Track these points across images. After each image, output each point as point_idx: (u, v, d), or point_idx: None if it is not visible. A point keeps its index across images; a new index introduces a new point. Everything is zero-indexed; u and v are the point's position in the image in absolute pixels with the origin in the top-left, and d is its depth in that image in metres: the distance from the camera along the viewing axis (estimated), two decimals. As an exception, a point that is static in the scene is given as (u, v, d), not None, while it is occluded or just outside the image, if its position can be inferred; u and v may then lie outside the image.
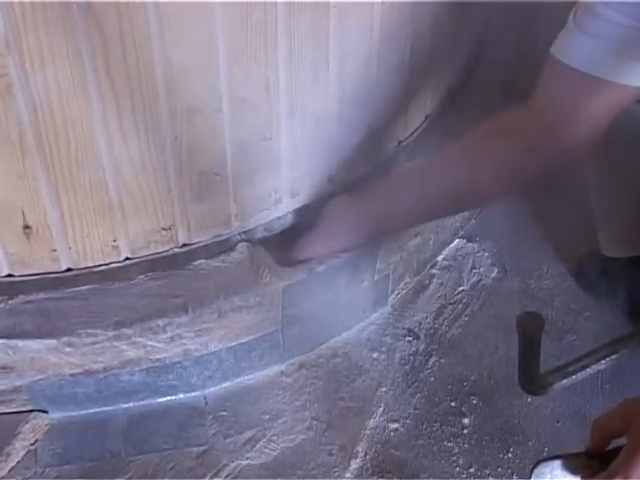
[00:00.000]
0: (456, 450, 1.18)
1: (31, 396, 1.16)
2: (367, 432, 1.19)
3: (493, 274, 1.44)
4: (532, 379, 0.93)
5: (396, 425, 1.21)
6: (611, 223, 1.32)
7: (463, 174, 1.07)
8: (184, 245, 1.20)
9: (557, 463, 0.76)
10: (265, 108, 1.13)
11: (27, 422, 1.17)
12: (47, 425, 1.18)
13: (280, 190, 1.23)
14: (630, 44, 0.89)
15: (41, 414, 1.18)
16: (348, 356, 1.30)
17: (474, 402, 1.24)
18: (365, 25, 1.18)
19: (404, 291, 1.40)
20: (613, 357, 0.94)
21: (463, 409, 1.23)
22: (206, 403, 1.23)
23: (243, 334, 1.20)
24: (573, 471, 0.76)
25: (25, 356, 1.11)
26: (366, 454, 1.17)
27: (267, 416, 1.21)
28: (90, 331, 1.11)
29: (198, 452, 1.16)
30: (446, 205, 1.14)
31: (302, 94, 1.15)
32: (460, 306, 1.38)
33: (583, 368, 0.93)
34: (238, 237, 1.24)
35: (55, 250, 1.12)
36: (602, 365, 0.94)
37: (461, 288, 1.42)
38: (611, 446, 0.75)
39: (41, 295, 1.15)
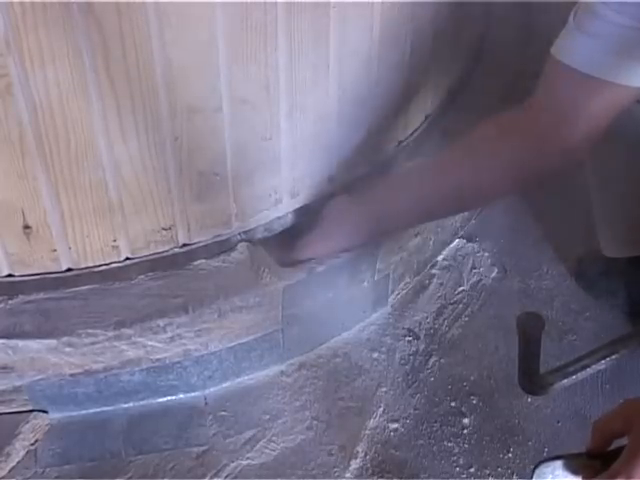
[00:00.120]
0: (456, 450, 1.18)
1: (31, 396, 1.16)
2: (367, 432, 1.19)
3: (493, 274, 1.44)
4: (532, 379, 0.93)
5: (396, 425, 1.21)
6: (611, 223, 1.31)
7: (463, 174, 1.07)
8: (184, 245, 1.20)
9: (558, 463, 0.76)
10: (265, 108, 1.13)
11: (27, 422, 1.17)
12: (47, 425, 1.18)
13: (280, 190, 1.23)
14: (630, 44, 0.89)
15: (41, 414, 1.18)
16: (348, 356, 1.30)
17: (474, 402, 1.24)
18: (365, 25, 1.18)
19: (404, 291, 1.40)
20: (613, 357, 0.94)
21: (463, 409, 1.23)
22: (206, 403, 1.23)
23: (243, 334, 1.20)
24: (574, 471, 0.76)
25: (25, 356, 1.11)
26: (366, 454, 1.17)
27: (267, 416, 1.21)
28: (90, 331, 1.11)
29: (198, 452, 1.16)
30: (446, 205, 1.14)
31: (302, 94, 1.15)
32: (460, 306, 1.38)
33: (583, 368, 0.94)
34: (238, 237, 1.24)
35: (55, 250, 1.12)
36: (602, 365, 0.94)
37: (461, 288, 1.42)
38: (612, 446, 0.75)
39: (41, 295, 1.15)
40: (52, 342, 1.10)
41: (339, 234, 1.20)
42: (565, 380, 0.93)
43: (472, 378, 1.27)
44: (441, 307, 1.38)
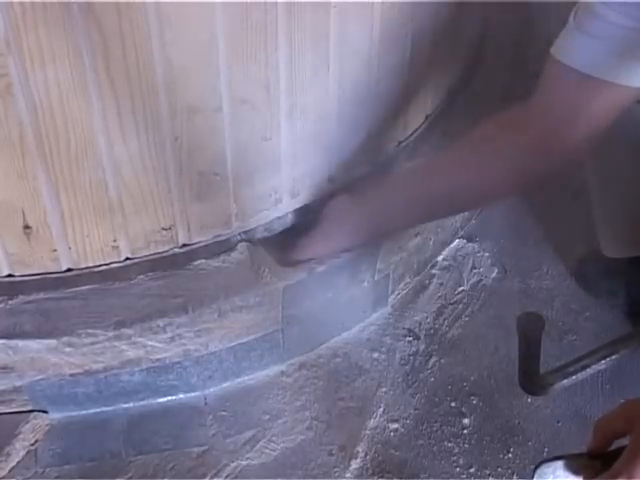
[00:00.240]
0: (456, 450, 1.18)
1: (31, 396, 1.16)
2: (367, 432, 1.19)
3: (493, 274, 1.44)
4: (532, 379, 0.93)
5: (396, 425, 1.21)
6: (611, 223, 1.31)
7: (463, 174, 1.07)
8: (184, 245, 1.20)
9: (559, 464, 0.76)
10: (265, 108, 1.13)
11: (27, 422, 1.17)
12: (47, 425, 1.18)
13: (280, 190, 1.23)
14: (630, 45, 0.88)
15: (41, 414, 1.18)
16: (348, 356, 1.30)
17: (474, 402, 1.24)
18: (365, 25, 1.18)
19: (404, 291, 1.40)
20: (613, 357, 0.94)
21: (463, 409, 1.23)
22: (206, 403, 1.23)
23: (243, 334, 1.20)
24: (575, 472, 0.76)
25: (25, 356, 1.11)
26: (366, 454, 1.17)
27: (267, 416, 1.21)
28: (90, 331, 1.11)
29: (198, 452, 1.16)
30: (446, 205, 1.14)
31: (302, 94, 1.15)
32: (460, 306, 1.38)
33: (583, 368, 0.94)
34: (238, 237, 1.24)
35: (55, 250, 1.12)
36: (602, 365, 0.94)
37: (461, 288, 1.41)
38: (613, 446, 0.75)
39: (41, 295, 1.15)
40: (52, 342, 1.10)
41: (339, 234, 1.20)
42: (565, 380, 0.93)
43: (472, 378, 1.27)
44: (441, 307, 1.38)
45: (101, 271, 1.16)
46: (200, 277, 1.19)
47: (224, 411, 1.22)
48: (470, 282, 1.42)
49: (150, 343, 1.14)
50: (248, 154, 1.16)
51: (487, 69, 1.64)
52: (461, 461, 1.16)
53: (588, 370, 0.94)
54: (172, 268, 1.19)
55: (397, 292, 1.39)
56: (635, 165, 1.17)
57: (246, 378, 1.26)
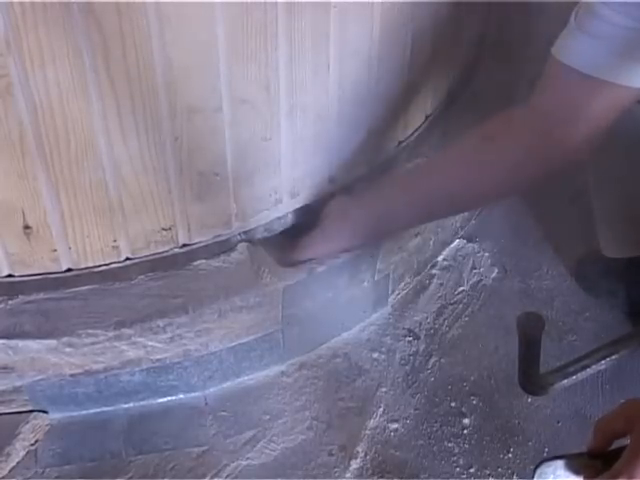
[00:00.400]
0: (456, 450, 1.18)
1: (31, 396, 1.16)
2: (367, 432, 1.19)
3: (493, 274, 1.44)
4: (532, 379, 0.93)
5: (396, 425, 1.21)
6: (611, 223, 1.31)
7: (463, 174, 1.07)
8: (184, 245, 1.20)
9: (560, 463, 0.76)
10: (265, 108, 1.13)
11: (27, 422, 1.17)
12: (47, 425, 1.18)
13: (280, 190, 1.23)
14: (631, 45, 0.88)
15: (41, 414, 1.18)
16: (348, 356, 1.30)
17: (474, 402, 1.24)
18: (365, 25, 1.18)
19: (404, 291, 1.40)
20: (613, 357, 0.94)
21: (463, 409, 1.23)
22: (206, 403, 1.23)
23: (243, 334, 1.20)
24: (576, 471, 0.76)
25: (25, 356, 1.11)
26: (366, 454, 1.17)
27: (267, 416, 1.21)
28: (90, 331, 1.11)
29: (198, 452, 1.16)
30: (446, 205, 1.14)
31: (302, 94, 1.15)
32: (460, 306, 1.38)
33: (583, 368, 0.93)
34: (238, 237, 1.24)
35: (55, 250, 1.12)
36: (602, 365, 0.94)
37: (461, 288, 1.42)
38: (613, 446, 0.75)
39: (41, 295, 1.15)
40: (52, 342, 1.10)
41: (340, 234, 1.20)
42: (565, 380, 0.93)
43: (472, 378, 1.27)
44: (441, 307, 1.38)
45: (101, 271, 1.16)
46: (200, 277, 1.19)
47: (224, 411, 1.22)
48: (470, 282, 1.42)
49: (150, 343, 1.14)
50: (248, 154, 1.16)
51: (487, 69, 1.64)
52: (461, 461, 1.16)
53: (588, 370, 0.94)
54: (172, 268, 1.19)
55: (397, 292, 1.39)
56: (635, 165, 1.17)
57: (246, 378, 1.26)
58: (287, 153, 1.20)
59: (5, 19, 0.90)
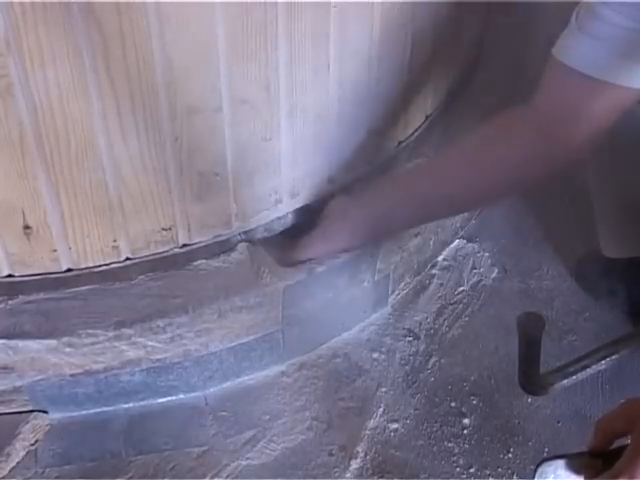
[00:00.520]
0: (456, 450, 1.18)
1: (31, 396, 1.16)
2: (367, 432, 1.19)
3: (493, 274, 1.44)
4: (532, 379, 0.93)
5: (396, 425, 1.21)
6: (611, 223, 1.31)
7: (464, 175, 1.07)
8: (184, 245, 1.20)
9: (560, 462, 0.76)
10: (265, 108, 1.13)
11: (27, 422, 1.17)
12: (47, 425, 1.18)
13: (280, 190, 1.23)
14: (631, 46, 0.88)
15: (41, 414, 1.18)
16: (348, 356, 1.30)
17: (474, 402, 1.24)
18: (365, 25, 1.18)
19: (404, 291, 1.40)
20: (613, 357, 0.94)
21: (463, 409, 1.23)
22: (206, 403, 1.23)
23: (243, 334, 1.20)
24: (576, 471, 0.76)
25: (25, 356, 1.11)
26: (366, 454, 1.17)
27: (267, 416, 1.21)
28: (90, 331, 1.11)
29: (198, 452, 1.16)
30: (446, 206, 1.14)
31: (302, 94, 1.15)
32: (460, 306, 1.38)
33: (583, 368, 0.93)
34: (238, 237, 1.24)
35: (55, 250, 1.12)
36: (602, 365, 0.94)
37: (461, 288, 1.42)
38: (614, 445, 0.75)
39: (41, 295, 1.15)
40: (52, 342, 1.10)
41: (340, 234, 1.20)
42: (565, 380, 0.93)
43: (472, 378, 1.27)
44: (441, 307, 1.38)
45: (101, 271, 1.16)
46: (200, 277, 1.19)
47: (224, 411, 1.22)
48: (470, 282, 1.42)
49: (150, 343, 1.14)
50: (248, 154, 1.16)
51: (487, 69, 1.64)
52: (461, 461, 1.16)
53: (588, 370, 0.94)
54: (172, 268, 1.20)
55: (397, 292, 1.39)
56: (635, 165, 1.17)
57: (246, 378, 1.26)
58: (287, 153, 1.20)
59: (5, 19, 0.90)
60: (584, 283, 1.40)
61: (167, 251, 1.19)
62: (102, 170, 1.07)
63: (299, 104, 1.16)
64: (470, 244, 1.49)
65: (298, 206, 1.28)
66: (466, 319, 1.36)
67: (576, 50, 0.92)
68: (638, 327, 1.29)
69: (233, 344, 1.21)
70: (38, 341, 1.10)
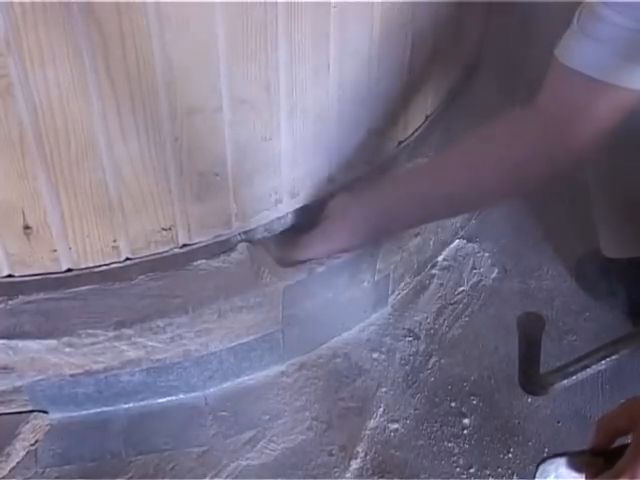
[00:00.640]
0: (456, 450, 1.18)
1: (31, 396, 1.16)
2: (367, 432, 1.19)
3: (493, 274, 1.44)
4: (532, 379, 0.93)
5: (396, 425, 1.21)
6: (611, 224, 1.31)
7: (465, 175, 1.07)
8: (184, 245, 1.20)
9: (562, 461, 0.76)
10: (265, 108, 1.13)
11: (27, 422, 1.17)
12: (47, 425, 1.18)
13: (280, 190, 1.23)
14: (634, 47, 0.88)
15: (41, 414, 1.18)
16: (348, 356, 1.30)
17: (474, 402, 1.24)
18: (365, 25, 1.18)
19: (404, 291, 1.40)
20: (613, 357, 0.94)
21: (463, 409, 1.23)
22: (206, 403, 1.23)
23: (243, 334, 1.20)
24: (578, 469, 0.76)
25: (25, 356, 1.11)
26: (366, 454, 1.17)
27: (267, 416, 1.21)
28: (90, 331, 1.11)
29: (198, 452, 1.16)
30: (447, 206, 1.14)
31: (302, 94, 1.15)
32: (460, 306, 1.38)
33: (583, 368, 0.93)
34: (238, 237, 1.24)
35: (55, 250, 1.12)
36: (602, 365, 0.94)
37: (461, 288, 1.41)
38: (616, 444, 0.75)
39: (41, 295, 1.15)
40: (52, 342, 1.10)
41: (340, 233, 1.20)
42: (565, 380, 0.93)
43: (472, 378, 1.27)
44: (441, 307, 1.38)
45: (101, 271, 1.16)
46: (200, 277, 1.19)
47: (224, 411, 1.22)
48: (470, 282, 1.42)
49: (150, 343, 1.14)
50: (248, 154, 1.16)
51: (487, 69, 1.64)
52: (461, 461, 1.16)
53: (588, 370, 0.93)
54: (172, 268, 1.19)
55: (397, 292, 1.39)
56: (635, 165, 1.17)
57: (246, 378, 1.26)
58: (287, 153, 1.20)
59: (5, 19, 0.90)
60: (584, 283, 1.40)
61: (167, 251, 1.19)
62: (102, 170, 1.07)
63: (299, 104, 1.16)
64: (470, 244, 1.49)
65: (298, 206, 1.28)
66: (466, 319, 1.36)
67: (578, 52, 0.92)
68: (638, 327, 1.29)
69: (233, 344, 1.21)
70: (38, 341, 1.10)
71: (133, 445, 1.17)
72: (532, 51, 1.66)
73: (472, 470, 1.15)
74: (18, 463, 1.14)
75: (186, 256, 1.20)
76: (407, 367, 1.29)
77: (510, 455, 1.17)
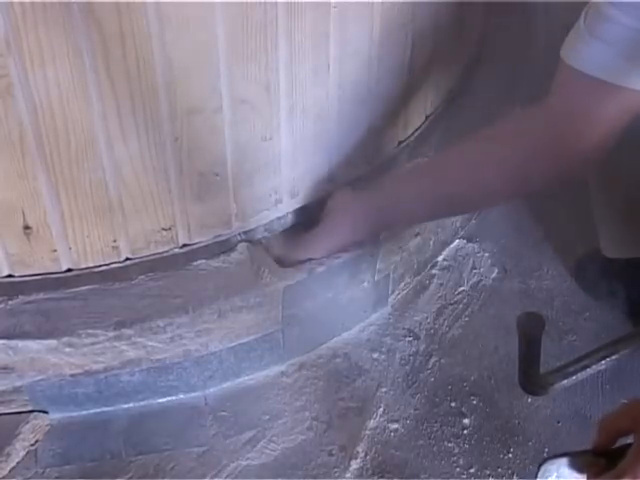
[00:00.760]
0: (456, 450, 1.18)
1: (31, 396, 1.16)
2: (367, 432, 1.19)
3: (493, 274, 1.44)
4: (532, 379, 0.93)
5: (396, 425, 1.21)
6: (611, 224, 1.31)
7: (470, 175, 1.06)
8: (184, 245, 1.20)
9: (563, 461, 0.76)
10: (265, 108, 1.13)
11: (27, 422, 1.17)
12: (47, 425, 1.18)
13: (280, 190, 1.23)
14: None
15: (41, 414, 1.18)
16: (348, 356, 1.30)
17: (474, 402, 1.24)
18: (365, 25, 1.18)
19: (404, 291, 1.40)
20: (613, 357, 0.94)
21: (463, 409, 1.23)
22: (206, 403, 1.23)
23: (243, 334, 1.20)
24: (579, 469, 0.76)
25: (25, 356, 1.11)
26: (366, 454, 1.17)
27: (267, 416, 1.21)
28: (90, 331, 1.11)
29: (198, 452, 1.16)
30: (449, 206, 1.13)
31: (302, 94, 1.15)
32: (460, 306, 1.38)
33: (583, 368, 0.93)
34: (238, 237, 1.24)
35: (55, 250, 1.12)
36: (602, 365, 0.94)
37: (461, 288, 1.41)
38: (618, 444, 0.75)
39: (41, 295, 1.15)
40: (52, 342, 1.10)
41: (342, 228, 1.20)
42: (565, 380, 0.93)
43: (472, 378, 1.27)
44: (441, 307, 1.38)
45: (101, 271, 1.16)
46: (200, 277, 1.19)
47: (224, 411, 1.22)
48: (470, 282, 1.42)
49: (150, 343, 1.14)
50: (248, 154, 1.16)
51: (487, 69, 1.63)
52: (461, 461, 1.16)
53: (588, 370, 0.93)
54: (172, 268, 1.19)
55: (397, 292, 1.38)
56: (635, 165, 1.17)
57: (246, 378, 1.26)
58: (287, 153, 1.20)
59: (5, 19, 0.90)
60: (584, 283, 1.40)
61: (167, 251, 1.19)
62: (102, 170, 1.07)
63: (299, 104, 1.16)
64: (470, 244, 1.48)
65: (298, 206, 1.28)
66: (466, 319, 1.36)
67: (586, 53, 0.92)
68: (638, 327, 1.29)
69: (233, 344, 1.21)
70: (38, 341, 1.10)
71: (133, 445, 1.17)
72: (532, 51, 1.66)
73: (472, 470, 1.15)
74: (18, 463, 1.14)
75: (186, 256, 1.20)
76: (407, 367, 1.29)
77: (510, 455, 1.17)
